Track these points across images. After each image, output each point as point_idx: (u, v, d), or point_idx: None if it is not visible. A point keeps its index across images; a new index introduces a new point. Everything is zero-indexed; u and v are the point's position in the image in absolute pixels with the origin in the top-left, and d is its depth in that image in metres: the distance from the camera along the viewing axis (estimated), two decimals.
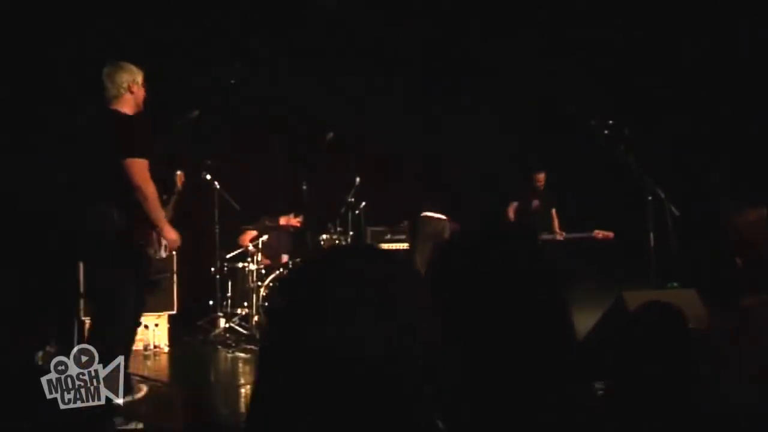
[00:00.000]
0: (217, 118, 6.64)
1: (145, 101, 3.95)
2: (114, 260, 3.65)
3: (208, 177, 6.40)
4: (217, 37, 6.73)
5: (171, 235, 3.85)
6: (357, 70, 7.49)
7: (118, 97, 3.85)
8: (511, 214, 7.63)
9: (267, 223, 6.88)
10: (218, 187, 6.44)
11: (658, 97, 7.14)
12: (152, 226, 3.80)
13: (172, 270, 6.06)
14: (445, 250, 1.26)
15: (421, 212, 7.29)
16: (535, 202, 7.64)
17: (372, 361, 0.74)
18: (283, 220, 7.19)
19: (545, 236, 7.49)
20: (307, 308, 0.77)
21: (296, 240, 7.27)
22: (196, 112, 5.81)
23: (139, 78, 3.93)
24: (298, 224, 7.15)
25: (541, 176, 7.60)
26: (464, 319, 1.12)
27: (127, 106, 3.87)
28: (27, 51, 5.73)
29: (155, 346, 5.94)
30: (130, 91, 3.87)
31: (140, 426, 3.73)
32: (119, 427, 3.61)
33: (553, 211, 7.70)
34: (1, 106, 5.63)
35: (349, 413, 0.73)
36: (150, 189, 3.70)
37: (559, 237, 7.51)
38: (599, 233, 7.30)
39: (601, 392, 2.86)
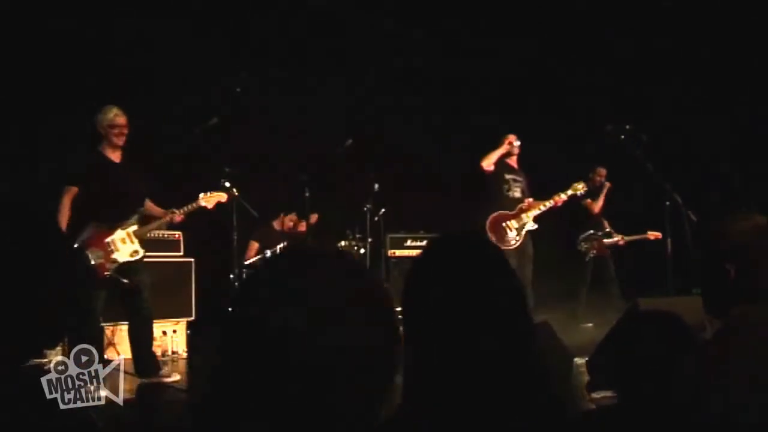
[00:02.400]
0: (232, 126, 6.67)
1: (129, 136, 4.56)
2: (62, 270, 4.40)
3: (227, 184, 6.43)
4: (230, 45, 6.80)
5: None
6: (376, 76, 7.50)
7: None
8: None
9: (262, 230, 6.89)
10: (237, 194, 6.47)
11: (677, 100, 7.04)
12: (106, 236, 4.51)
13: (189, 277, 6.13)
14: (417, 259, 1.26)
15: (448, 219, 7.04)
16: (589, 201, 7.19)
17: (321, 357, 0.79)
18: (276, 224, 7.16)
19: (607, 241, 7.18)
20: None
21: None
22: (215, 120, 5.84)
23: (103, 117, 4.51)
24: (304, 230, 7.12)
25: (604, 171, 7.23)
26: (427, 325, 1.11)
27: (102, 144, 4.57)
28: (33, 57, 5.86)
29: (173, 352, 5.99)
30: (99, 132, 4.55)
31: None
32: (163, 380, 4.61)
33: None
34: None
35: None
36: (59, 205, 4.38)
37: (620, 242, 7.21)
38: (651, 234, 7.03)
39: (608, 402, 2.80)
